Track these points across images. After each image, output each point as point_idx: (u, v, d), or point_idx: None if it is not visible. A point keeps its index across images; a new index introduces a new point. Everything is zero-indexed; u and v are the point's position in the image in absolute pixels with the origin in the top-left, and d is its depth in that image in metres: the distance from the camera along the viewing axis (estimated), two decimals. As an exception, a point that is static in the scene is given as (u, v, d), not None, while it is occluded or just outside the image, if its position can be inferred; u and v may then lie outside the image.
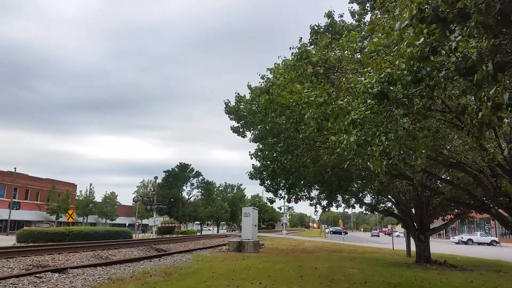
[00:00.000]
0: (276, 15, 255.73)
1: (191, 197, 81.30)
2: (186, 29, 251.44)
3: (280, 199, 20.63)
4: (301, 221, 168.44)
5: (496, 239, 49.47)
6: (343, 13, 14.40)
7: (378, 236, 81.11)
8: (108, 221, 72.52)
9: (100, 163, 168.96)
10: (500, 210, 10.86)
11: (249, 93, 15.37)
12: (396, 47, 5.24)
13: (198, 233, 58.78)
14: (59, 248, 17.46)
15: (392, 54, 5.58)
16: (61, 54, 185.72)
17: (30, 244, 22.06)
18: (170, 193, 73.02)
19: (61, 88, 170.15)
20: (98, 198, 72.69)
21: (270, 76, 13.02)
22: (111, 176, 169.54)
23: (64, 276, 10.33)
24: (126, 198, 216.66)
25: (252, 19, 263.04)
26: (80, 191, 72.39)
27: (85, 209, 66.72)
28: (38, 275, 10.08)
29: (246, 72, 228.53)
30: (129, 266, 13.07)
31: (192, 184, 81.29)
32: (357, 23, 13.90)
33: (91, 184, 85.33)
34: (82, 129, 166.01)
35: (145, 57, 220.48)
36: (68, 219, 37.67)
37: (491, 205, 11.48)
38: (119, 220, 75.75)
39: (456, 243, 49.73)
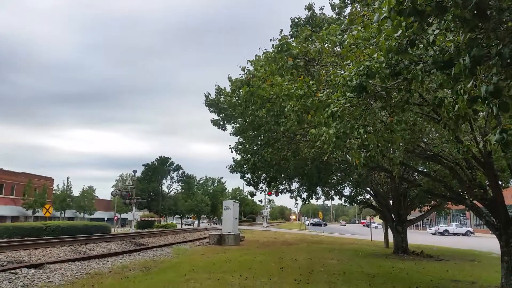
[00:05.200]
0: (257, 7, 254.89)
1: (171, 191, 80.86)
2: (167, 21, 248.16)
3: (260, 192, 20.72)
4: (281, 214, 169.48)
5: (471, 229, 50.84)
6: (324, 6, 14.43)
7: (345, 225, 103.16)
8: (86, 215, 71.46)
9: (78, 157, 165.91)
10: (475, 202, 11.11)
11: (230, 85, 15.28)
12: (375, 40, 5.27)
13: (179, 227, 58.48)
14: (36, 244, 17.09)
15: (371, 47, 5.61)
16: (37, 45, 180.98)
17: (5, 240, 21.55)
18: (149, 187, 72.38)
19: (38, 80, 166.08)
20: (76, 192, 71.54)
21: (251, 68, 12.97)
22: (89, 170, 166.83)
23: (41, 272, 10.13)
24: (104, 192, 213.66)
25: (233, 11, 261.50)
26: (57, 185, 70.94)
27: (62, 203, 65.56)
28: (13, 271, 9.84)
29: (228, 64, 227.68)
30: (108, 261, 12.91)
31: (172, 178, 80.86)
32: (337, 16, 13.94)
33: (68, 178, 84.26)
34: (60, 122, 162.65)
35: (125, 49, 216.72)
36: (45, 214, 36.96)
37: (466, 197, 11.73)
38: (98, 214, 74.68)
39: (433, 234, 50.89)
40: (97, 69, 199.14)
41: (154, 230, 41.79)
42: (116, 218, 61.16)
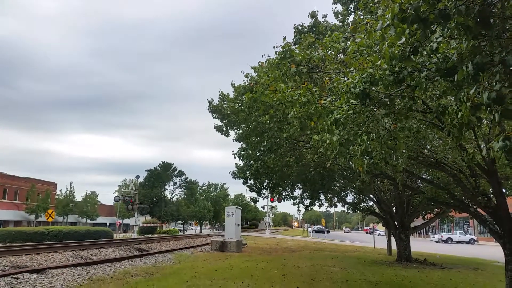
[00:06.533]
0: (261, 14, 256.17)
1: (173, 197, 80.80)
2: (171, 27, 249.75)
3: (263, 199, 20.68)
4: (284, 220, 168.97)
5: (475, 237, 50.49)
6: (327, 14, 14.50)
7: (349, 232, 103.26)
8: (88, 220, 71.40)
9: (81, 162, 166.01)
10: (478, 209, 11.06)
11: (233, 91, 15.31)
12: (378, 47, 5.28)
13: (181, 233, 58.35)
14: (38, 248, 17.11)
15: (374, 54, 5.62)
16: (42, 51, 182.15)
17: (8, 245, 21.58)
18: (152, 192, 72.34)
19: (42, 85, 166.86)
20: (79, 197, 71.42)
21: (254, 74, 13.00)
22: (92, 175, 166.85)
23: (43, 277, 10.14)
24: (107, 197, 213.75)
25: (238, 18, 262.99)
26: (60, 190, 70.84)
27: (65, 208, 65.53)
28: (15, 276, 9.86)
29: (231, 71, 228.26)
30: (110, 266, 12.90)
31: (174, 184, 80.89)
32: (340, 23, 13.99)
33: (71, 183, 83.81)
34: (63, 127, 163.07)
35: (129, 55, 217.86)
36: (47, 219, 36.95)
37: (470, 204, 11.69)
38: (100, 219, 74.59)
39: (436, 241, 50.60)
40: (101, 75, 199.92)
41: (156, 236, 41.71)
42: (118, 223, 61.06)
